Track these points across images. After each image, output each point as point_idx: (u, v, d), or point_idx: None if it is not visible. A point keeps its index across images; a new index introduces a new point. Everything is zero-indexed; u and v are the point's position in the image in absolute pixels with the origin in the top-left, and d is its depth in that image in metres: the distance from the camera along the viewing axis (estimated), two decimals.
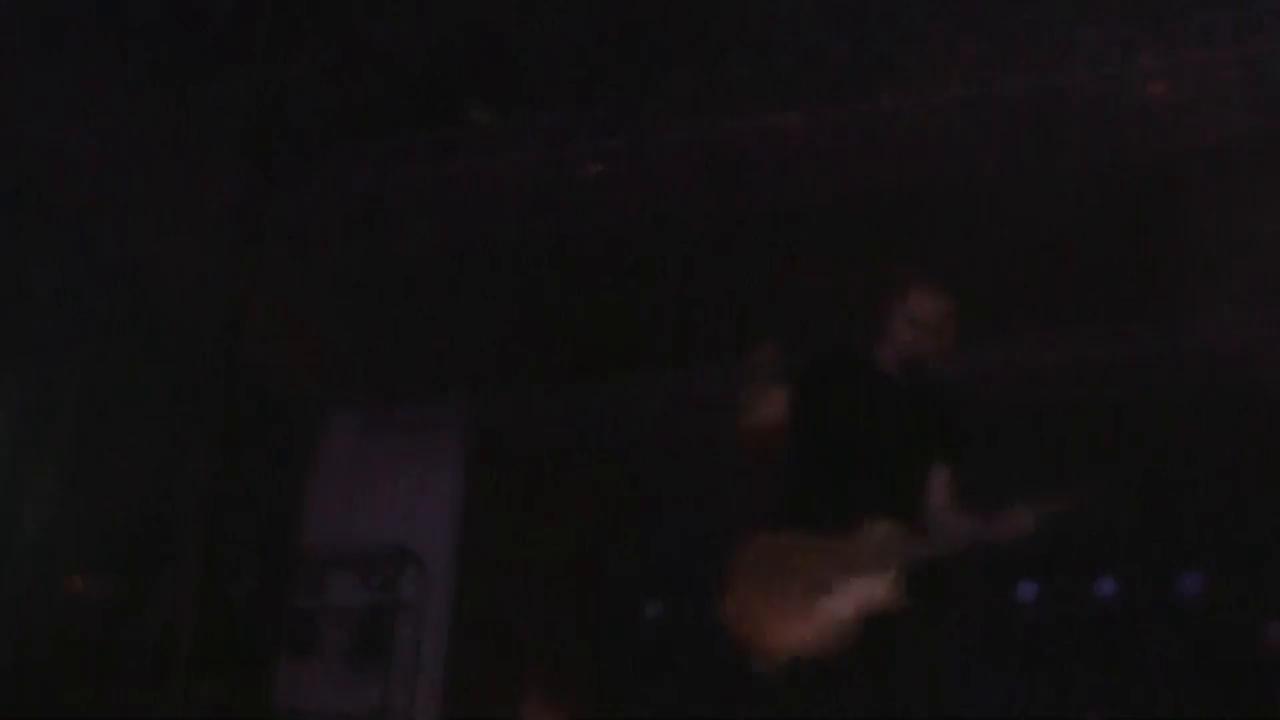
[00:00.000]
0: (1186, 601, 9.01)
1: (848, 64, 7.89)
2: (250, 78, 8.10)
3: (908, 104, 7.95)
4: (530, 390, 10.55)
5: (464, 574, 9.89)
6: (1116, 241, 8.08)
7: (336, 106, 8.08)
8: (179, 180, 8.99)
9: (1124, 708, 8.93)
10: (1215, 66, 7.48)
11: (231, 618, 9.55)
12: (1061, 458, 8.54)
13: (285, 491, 10.67)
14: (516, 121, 8.38)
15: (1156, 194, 7.95)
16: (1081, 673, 9.12)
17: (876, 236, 8.57)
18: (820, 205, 8.34)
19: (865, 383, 4.48)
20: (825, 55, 7.86)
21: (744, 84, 7.96)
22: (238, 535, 9.38)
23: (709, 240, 8.37)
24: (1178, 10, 7.45)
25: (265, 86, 8.02)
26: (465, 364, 9.46)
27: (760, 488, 4.47)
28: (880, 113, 8.02)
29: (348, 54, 7.23)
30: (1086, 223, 8.19)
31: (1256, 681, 7.55)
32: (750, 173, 8.03)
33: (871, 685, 4.02)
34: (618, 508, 10.66)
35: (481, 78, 7.79)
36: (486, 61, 7.81)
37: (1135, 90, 7.73)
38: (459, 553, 9.95)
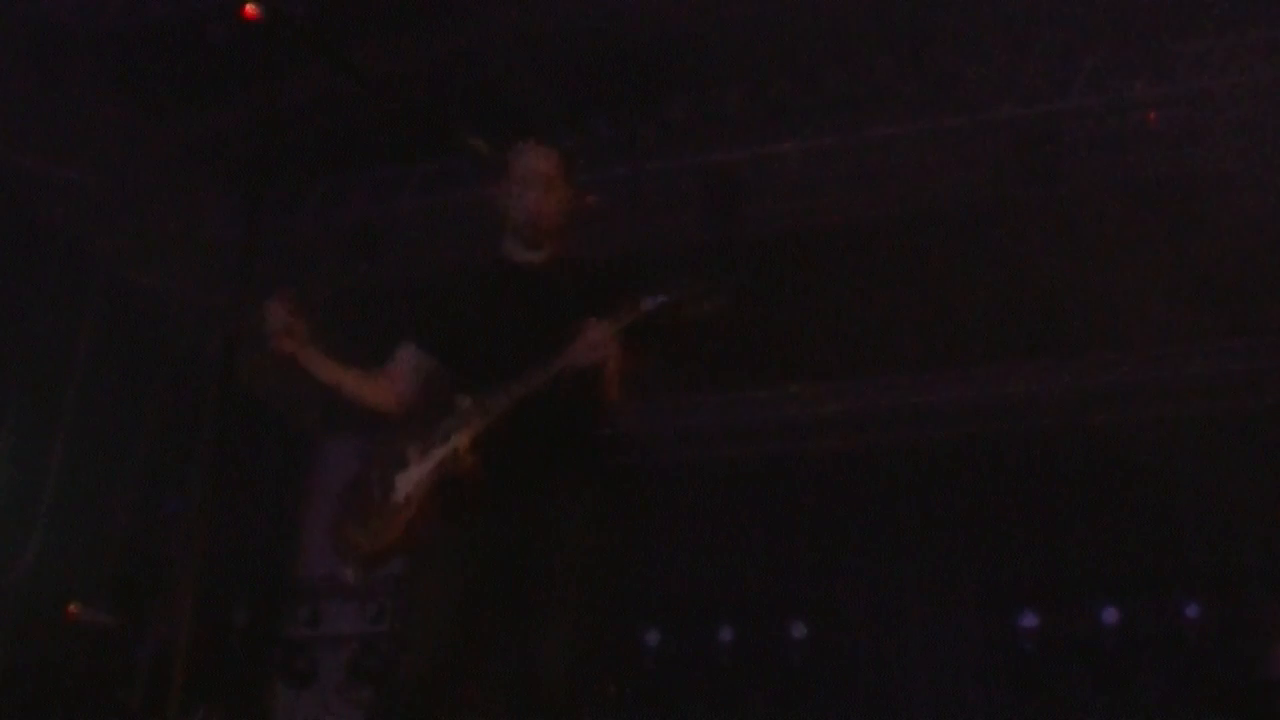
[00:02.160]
0: (1187, 629, 8.96)
1: (844, 92, 7.87)
2: (244, 108, 8.15)
3: (904, 132, 7.93)
4: None
5: None
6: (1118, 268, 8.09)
7: (331, 136, 8.08)
8: (174, 209, 9.00)
9: None
10: (1212, 95, 7.49)
11: (227, 647, 9.52)
12: None
13: (280, 521, 10.65)
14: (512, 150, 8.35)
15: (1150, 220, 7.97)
16: (1083, 699, 9.09)
17: (875, 265, 8.62)
18: (817, 233, 8.37)
19: (499, 274, 4.13)
20: (822, 83, 7.86)
21: (740, 112, 7.95)
22: (233, 565, 9.34)
23: (705, 268, 8.35)
24: (1175, 36, 7.45)
25: (259, 116, 8.05)
26: None
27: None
28: (876, 141, 8.00)
29: (342, 83, 7.21)
30: (1084, 250, 8.22)
31: (1259, 710, 7.50)
32: (747, 201, 7.99)
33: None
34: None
35: (477, 106, 7.78)
36: (482, 90, 7.80)
37: (1133, 117, 7.75)
38: None
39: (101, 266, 8.85)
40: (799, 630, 9.59)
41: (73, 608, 6.76)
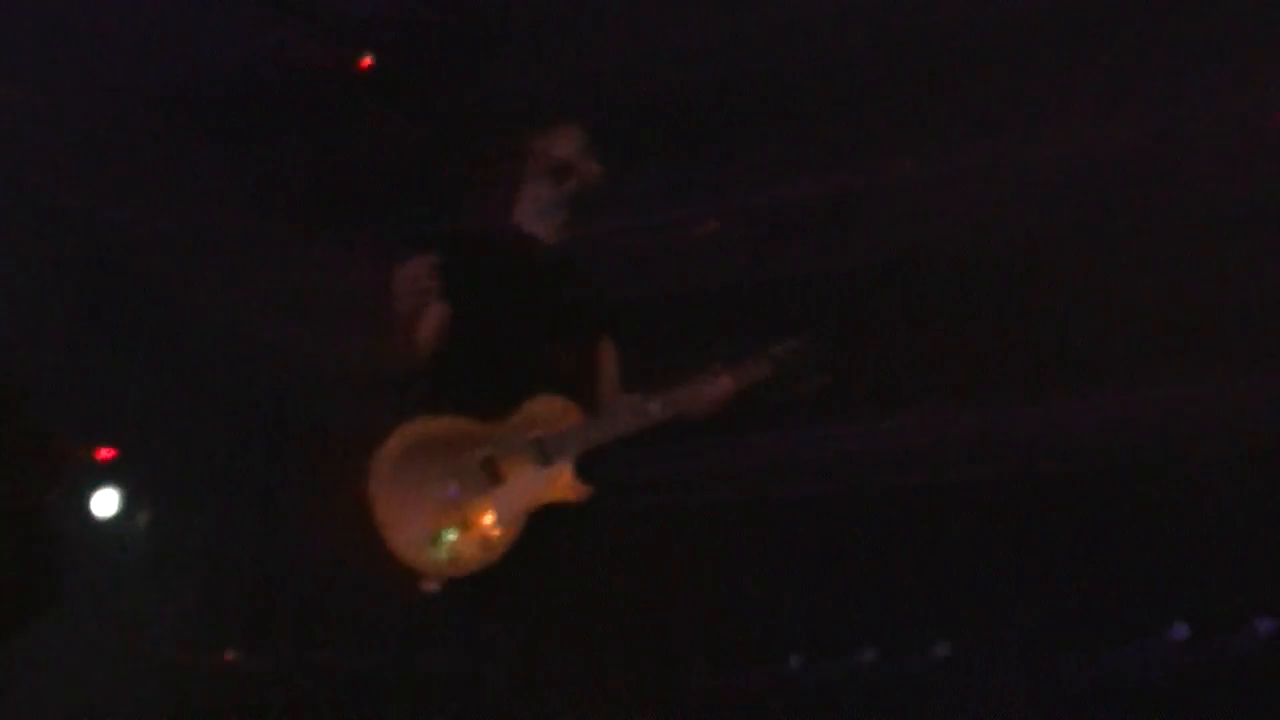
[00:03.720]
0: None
1: (958, 110, 7.69)
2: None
3: (1014, 152, 7.74)
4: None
5: None
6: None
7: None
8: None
9: None
10: None
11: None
12: None
13: None
14: (621, 181, 8.26)
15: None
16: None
17: (994, 290, 8.42)
18: (938, 256, 8.18)
19: (510, 255, 4.03)
20: (935, 101, 7.68)
21: (855, 133, 7.79)
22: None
23: (826, 296, 8.20)
24: None
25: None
26: None
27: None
28: (988, 161, 7.84)
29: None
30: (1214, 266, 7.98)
31: None
32: (867, 224, 7.86)
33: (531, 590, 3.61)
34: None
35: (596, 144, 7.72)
36: (595, 122, 7.71)
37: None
38: None
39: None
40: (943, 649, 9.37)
41: (229, 655, 6.88)
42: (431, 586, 3.41)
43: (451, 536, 3.29)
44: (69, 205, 7.96)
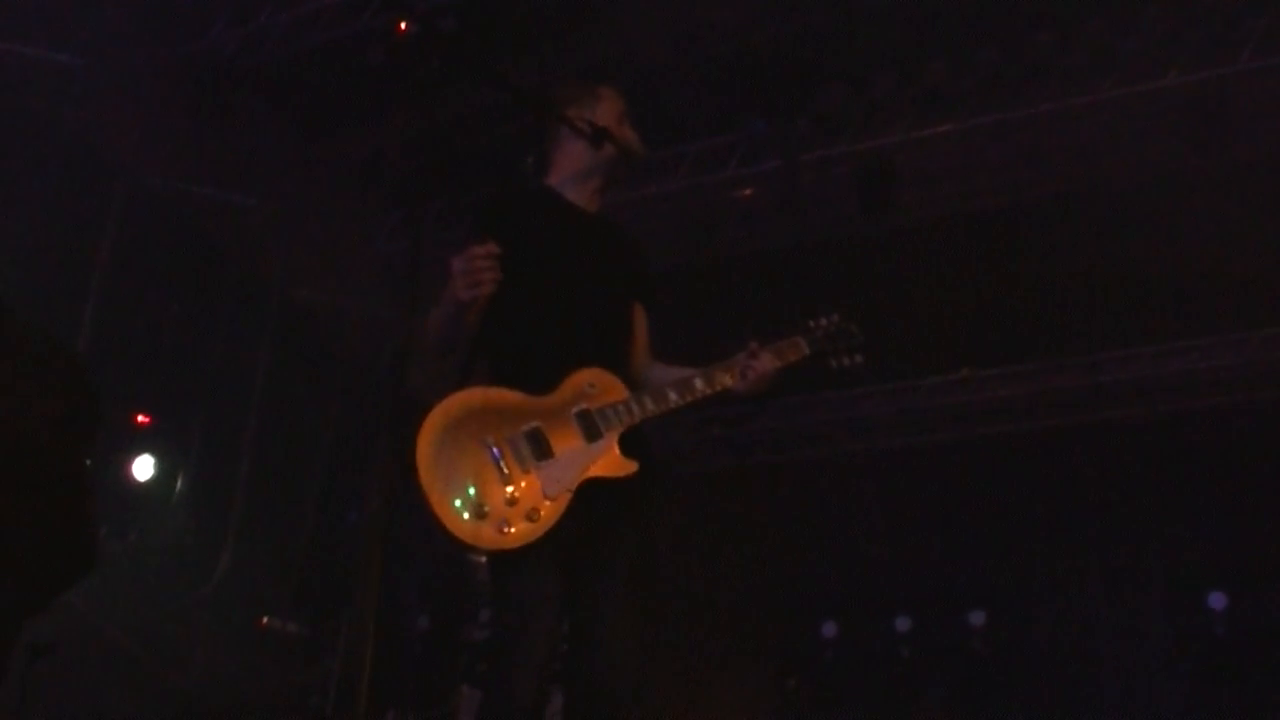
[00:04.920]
0: None
1: (998, 71, 7.71)
2: (403, 126, 8.31)
3: (1064, 108, 7.73)
4: (691, 415, 10.59)
5: None
6: None
7: (488, 148, 8.21)
8: (340, 227, 9.23)
9: None
10: None
11: (411, 652, 9.72)
12: None
13: None
14: (667, 150, 8.42)
15: None
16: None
17: (1039, 245, 8.43)
18: (978, 214, 8.24)
19: (561, 215, 3.88)
20: (976, 63, 7.71)
21: (893, 98, 7.85)
22: (413, 571, 9.55)
23: (864, 259, 8.28)
24: None
25: (418, 133, 8.20)
26: None
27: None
28: (1036, 119, 7.81)
29: (495, 96, 7.34)
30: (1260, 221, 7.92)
31: None
32: (905, 187, 7.88)
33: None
34: (783, 530, 10.59)
35: (630, 109, 7.83)
36: (633, 94, 7.83)
37: None
38: None
39: (275, 287, 9.13)
40: (978, 618, 9.42)
41: (264, 619, 6.96)
42: (478, 558, 3.32)
43: (471, 492, 3.26)
44: (150, 180, 8.16)
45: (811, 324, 3.91)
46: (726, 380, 3.68)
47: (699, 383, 3.67)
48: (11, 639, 2.46)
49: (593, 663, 3.52)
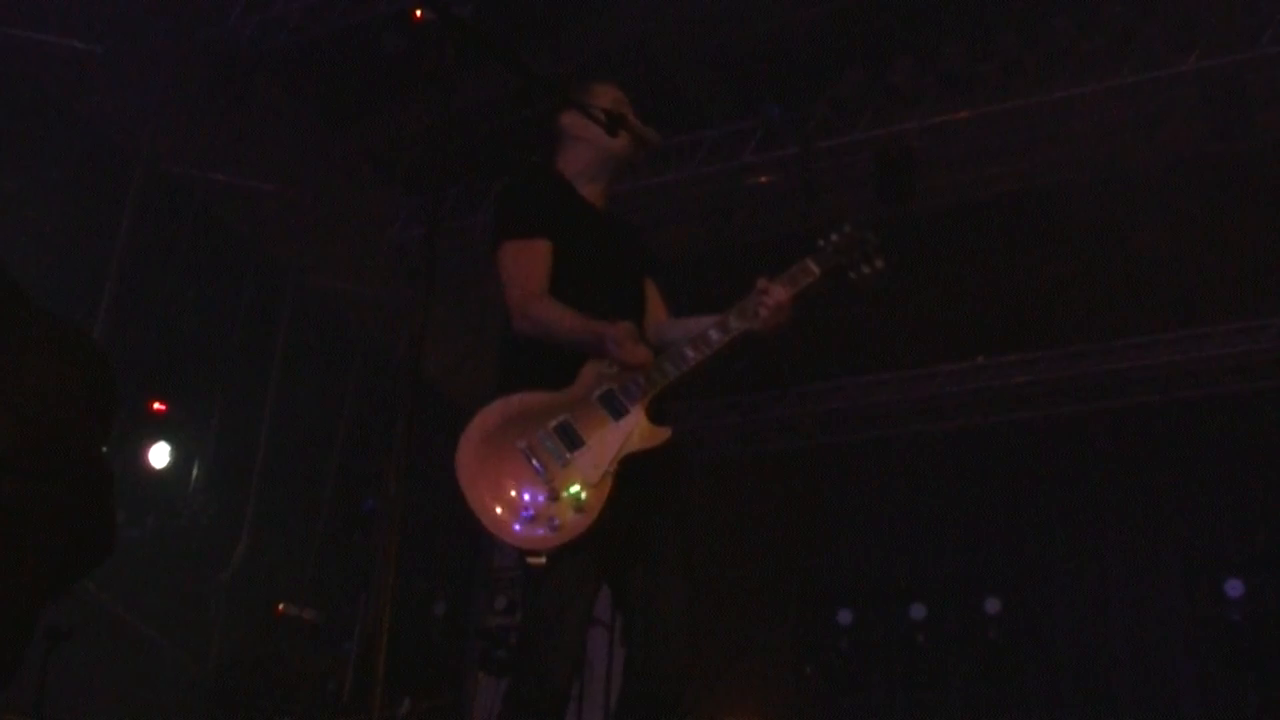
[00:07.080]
0: None
1: (1017, 56, 7.67)
2: (420, 112, 8.33)
3: (1082, 93, 7.68)
4: (708, 402, 10.59)
5: None
6: None
7: (507, 134, 8.20)
8: (357, 213, 9.24)
9: None
10: None
11: (428, 638, 9.75)
12: None
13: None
14: (683, 136, 8.41)
15: None
16: None
17: (1057, 231, 8.40)
18: (995, 200, 8.20)
19: (581, 208, 3.86)
20: (994, 48, 7.67)
21: (910, 84, 7.81)
22: (430, 558, 9.57)
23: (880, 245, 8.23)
24: None
25: (435, 119, 8.18)
26: None
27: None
28: (1054, 104, 7.76)
29: (514, 82, 7.33)
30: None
31: None
32: (922, 173, 7.84)
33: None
34: (799, 517, 10.59)
35: (646, 96, 7.83)
36: (652, 81, 7.83)
37: None
38: None
39: (292, 273, 9.13)
40: (993, 605, 9.41)
41: (280, 605, 6.99)
42: (538, 561, 3.35)
43: (514, 499, 3.32)
44: (167, 166, 8.10)
45: (821, 242, 3.79)
46: (742, 323, 3.61)
47: (714, 334, 3.62)
48: (30, 624, 2.46)
49: (648, 653, 3.53)
